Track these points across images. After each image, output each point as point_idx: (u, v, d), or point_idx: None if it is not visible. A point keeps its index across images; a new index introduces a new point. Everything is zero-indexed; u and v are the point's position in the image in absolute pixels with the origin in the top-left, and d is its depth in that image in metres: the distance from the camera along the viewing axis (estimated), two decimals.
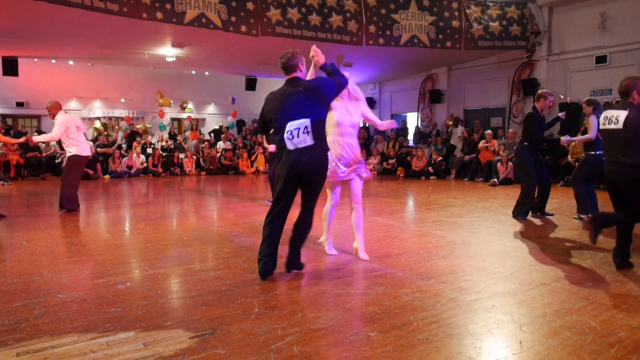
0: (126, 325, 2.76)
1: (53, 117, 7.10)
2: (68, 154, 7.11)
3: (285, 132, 3.51)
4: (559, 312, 2.97)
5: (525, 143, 6.32)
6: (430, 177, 12.80)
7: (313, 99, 3.54)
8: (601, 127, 4.01)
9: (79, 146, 7.06)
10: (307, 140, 3.48)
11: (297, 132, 3.47)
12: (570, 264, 4.12)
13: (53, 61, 15.28)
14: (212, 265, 4.14)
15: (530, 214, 6.54)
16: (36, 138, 7.43)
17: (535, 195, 6.55)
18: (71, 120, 7.06)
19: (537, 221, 6.23)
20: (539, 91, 6.61)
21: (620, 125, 3.77)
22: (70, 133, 6.98)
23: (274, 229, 3.63)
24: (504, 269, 3.96)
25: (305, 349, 2.45)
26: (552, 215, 6.53)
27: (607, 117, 3.91)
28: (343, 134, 4.13)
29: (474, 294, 3.30)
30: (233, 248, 4.77)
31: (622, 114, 3.76)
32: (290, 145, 3.50)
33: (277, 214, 3.63)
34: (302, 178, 3.57)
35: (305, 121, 3.47)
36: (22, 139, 7.97)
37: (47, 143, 13.50)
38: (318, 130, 3.53)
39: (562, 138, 6.32)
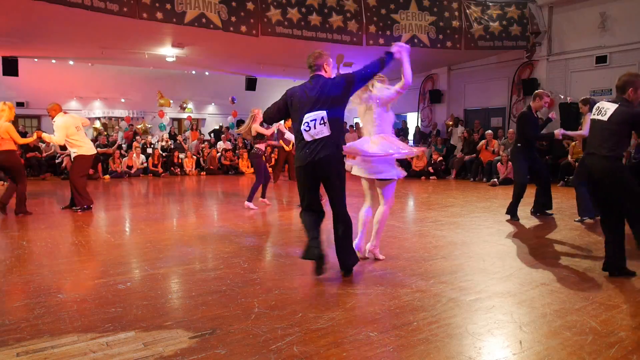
0: (126, 325, 2.76)
1: (52, 118, 7.12)
2: (73, 154, 7.11)
3: (302, 123, 3.57)
4: (559, 312, 2.97)
5: (519, 144, 6.29)
6: (431, 177, 12.79)
7: (330, 96, 3.58)
8: (591, 117, 4.00)
9: (82, 147, 7.09)
10: (324, 131, 3.54)
11: (313, 124, 3.54)
12: (570, 264, 4.11)
13: (53, 61, 15.29)
14: (212, 265, 4.14)
15: (530, 213, 6.54)
16: (45, 135, 7.44)
17: (537, 195, 6.54)
18: (69, 122, 7.03)
19: (538, 221, 6.23)
20: (536, 91, 6.58)
21: (606, 118, 3.77)
22: (71, 135, 6.99)
23: (309, 215, 3.72)
24: (504, 269, 3.96)
25: (305, 349, 2.45)
26: (551, 215, 6.52)
27: (598, 107, 3.91)
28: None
29: (474, 294, 3.30)
30: (233, 248, 4.76)
31: (612, 108, 3.76)
32: (307, 137, 3.57)
33: (307, 207, 3.74)
34: (316, 171, 3.60)
35: (322, 112, 3.54)
36: (34, 137, 7.92)
37: (47, 143, 13.51)
38: (334, 124, 3.57)
39: (555, 131, 6.21)
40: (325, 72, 3.74)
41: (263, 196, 7.75)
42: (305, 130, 3.56)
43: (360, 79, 3.74)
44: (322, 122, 3.53)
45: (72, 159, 7.18)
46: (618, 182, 3.69)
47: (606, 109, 3.80)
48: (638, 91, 3.69)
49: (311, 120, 3.54)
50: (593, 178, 3.85)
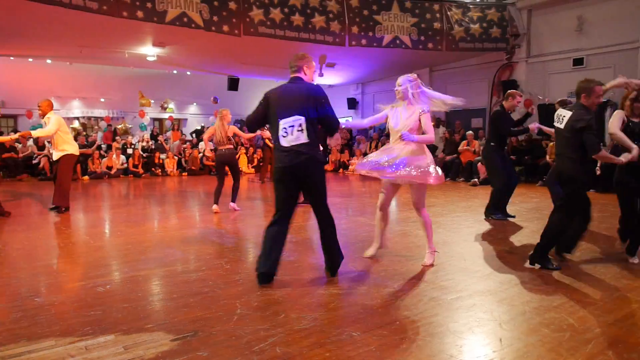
0: (106, 328, 2.72)
1: (43, 115, 6.99)
2: (62, 153, 6.97)
3: (280, 129, 3.51)
4: (537, 309, 3.03)
5: (492, 143, 6.36)
6: None
7: (309, 101, 3.51)
8: (554, 123, 4.12)
9: (72, 146, 7.09)
10: (301, 138, 3.47)
11: (291, 130, 3.48)
12: None
13: (30, 60, 14.96)
14: (194, 266, 4.11)
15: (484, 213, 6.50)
16: (34, 132, 7.28)
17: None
18: (62, 121, 7.11)
19: (517, 221, 6.31)
20: (508, 91, 6.65)
21: (562, 125, 3.92)
22: (64, 133, 7.01)
23: (272, 230, 3.58)
24: (485, 268, 4.02)
25: (288, 350, 2.44)
26: (513, 217, 6.47)
27: (558, 115, 4.05)
28: (395, 140, 4.06)
29: (455, 293, 3.34)
30: (215, 249, 4.73)
31: (567, 115, 3.91)
32: (284, 142, 3.51)
33: (278, 215, 3.61)
34: (295, 173, 3.54)
35: (300, 118, 3.47)
36: (17, 135, 7.72)
37: (24, 143, 13.24)
38: (311, 130, 3.51)
39: (530, 125, 6.15)
40: (305, 74, 3.67)
41: (216, 202, 7.03)
42: (282, 136, 3.50)
43: (328, 120, 3.60)
44: (299, 128, 3.47)
45: (60, 159, 6.99)
46: (574, 183, 3.87)
47: (563, 116, 3.96)
48: (589, 97, 3.83)
49: (289, 126, 3.48)
50: (559, 174, 4.07)
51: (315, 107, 3.51)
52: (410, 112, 3.97)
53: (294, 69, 3.67)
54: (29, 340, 2.57)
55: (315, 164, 3.57)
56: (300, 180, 3.59)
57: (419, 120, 3.92)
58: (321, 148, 3.74)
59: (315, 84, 3.76)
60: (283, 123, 3.50)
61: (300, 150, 3.47)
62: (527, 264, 4.01)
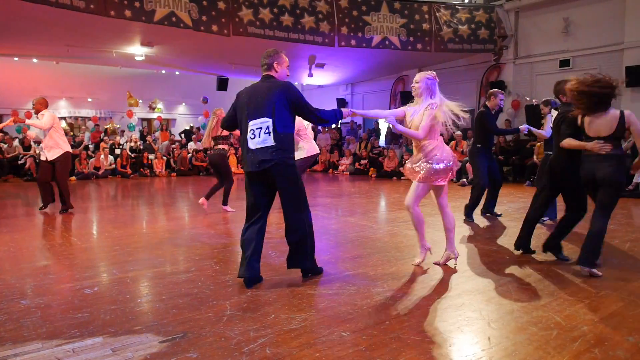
0: (93, 330, 2.69)
1: (37, 113, 6.95)
2: (59, 152, 6.89)
3: (249, 130, 3.46)
4: (525, 308, 3.06)
5: (478, 145, 6.36)
6: (402, 178, 12.94)
7: (279, 101, 3.43)
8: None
9: (66, 144, 7.09)
10: (268, 141, 3.39)
11: (259, 132, 3.41)
12: (535, 261, 4.23)
13: (15, 59, 14.76)
14: (183, 267, 4.08)
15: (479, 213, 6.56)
16: (28, 121, 7.26)
17: (488, 195, 6.59)
18: (57, 118, 7.11)
19: (504, 221, 6.37)
20: (490, 90, 6.68)
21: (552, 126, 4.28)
22: (59, 130, 7.00)
23: (249, 232, 3.55)
24: (473, 267, 4.05)
25: (278, 351, 2.44)
26: (500, 215, 6.58)
27: (553, 117, 4.34)
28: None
29: (444, 292, 3.36)
30: (204, 250, 4.71)
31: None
32: (251, 145, 3.44)
33: (250, 218, 3.58)
34: (262, 177, 3.47)
35: (268, 121, 3.40)
36: (10, 121, 7.53)
37: (9, 144, 13.07)
38: (280, 134, 3.41)
39: (520, 127, 6.25)
40: (276, 71, 3.57)
41: (208, 198, 6.99)
42: (250, 138, 3.43)
43: (309, 115, 3.58)
44: (267, 131, 3.39)
45: (57, 159, 6.88)
46: (565, 176, 4.11)
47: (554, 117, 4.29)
48: (566, 95, 4.08)
49: (257, 128, 3.41)
50: (551, 168, 4.23)
51: (287, 104, 3.44)
52: (419, 109, 3.90)
53: (265, 67, 3.58)
54: (15, 343, 2.53)
55: (283, 167, 3.43)
56: (269, 181, 3.50)
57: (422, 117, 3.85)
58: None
59: (287, 80, 3.62)
60: (251, 125, 3.44)
61: (267, 154, 3.39)
62: (540, 251, 4.31)
